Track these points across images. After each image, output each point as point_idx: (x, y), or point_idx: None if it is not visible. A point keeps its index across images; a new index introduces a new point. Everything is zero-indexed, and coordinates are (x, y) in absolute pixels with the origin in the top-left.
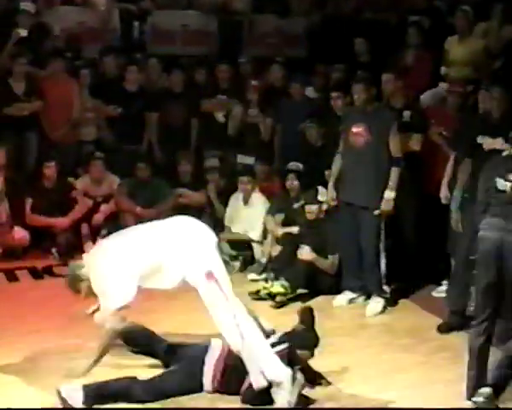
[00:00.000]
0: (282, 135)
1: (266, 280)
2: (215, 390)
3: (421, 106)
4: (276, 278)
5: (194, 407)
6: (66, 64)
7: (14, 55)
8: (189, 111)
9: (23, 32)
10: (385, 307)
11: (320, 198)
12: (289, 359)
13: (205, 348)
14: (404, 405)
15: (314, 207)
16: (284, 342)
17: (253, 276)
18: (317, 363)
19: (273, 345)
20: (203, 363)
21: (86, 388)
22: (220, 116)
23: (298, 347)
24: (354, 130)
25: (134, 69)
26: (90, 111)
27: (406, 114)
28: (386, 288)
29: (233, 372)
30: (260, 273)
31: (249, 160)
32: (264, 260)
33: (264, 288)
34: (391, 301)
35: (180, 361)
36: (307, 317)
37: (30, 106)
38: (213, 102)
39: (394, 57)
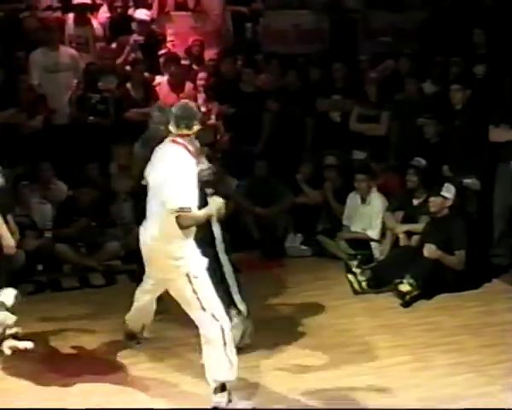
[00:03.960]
0: (398, 130)
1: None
2: None
3: None
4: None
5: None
6: (182, 68)
7: (132, 61)
8: (305, 110)
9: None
10: None
11: (445, 194)
12: None
13: None
14: None
15: (438, 201)
16: None
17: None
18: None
19: None
20: None
21: None
22: (336, 116)
23: None
24: None
25: (250, 71)
26: (206, 114)
27: None
28: None
29: None
30: None
31: (361, 155)
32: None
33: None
34: None
35: None
36: None
37: (148, 110)
38: (328, 102)
39: None
